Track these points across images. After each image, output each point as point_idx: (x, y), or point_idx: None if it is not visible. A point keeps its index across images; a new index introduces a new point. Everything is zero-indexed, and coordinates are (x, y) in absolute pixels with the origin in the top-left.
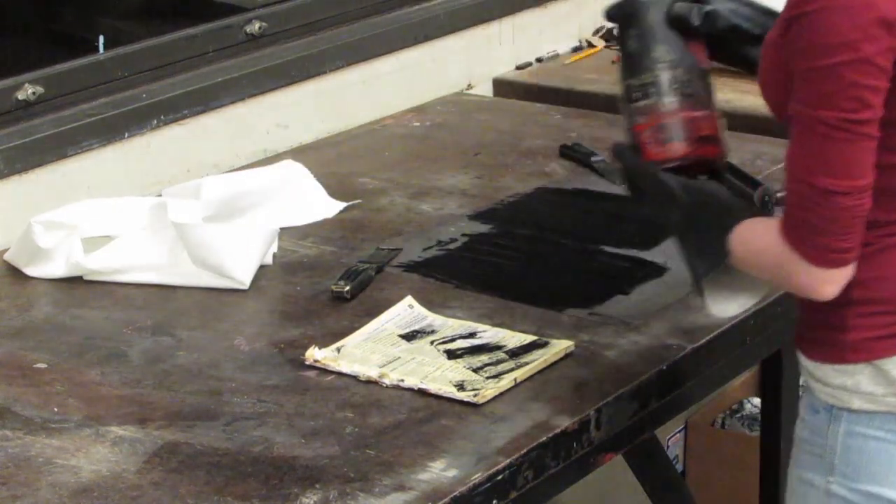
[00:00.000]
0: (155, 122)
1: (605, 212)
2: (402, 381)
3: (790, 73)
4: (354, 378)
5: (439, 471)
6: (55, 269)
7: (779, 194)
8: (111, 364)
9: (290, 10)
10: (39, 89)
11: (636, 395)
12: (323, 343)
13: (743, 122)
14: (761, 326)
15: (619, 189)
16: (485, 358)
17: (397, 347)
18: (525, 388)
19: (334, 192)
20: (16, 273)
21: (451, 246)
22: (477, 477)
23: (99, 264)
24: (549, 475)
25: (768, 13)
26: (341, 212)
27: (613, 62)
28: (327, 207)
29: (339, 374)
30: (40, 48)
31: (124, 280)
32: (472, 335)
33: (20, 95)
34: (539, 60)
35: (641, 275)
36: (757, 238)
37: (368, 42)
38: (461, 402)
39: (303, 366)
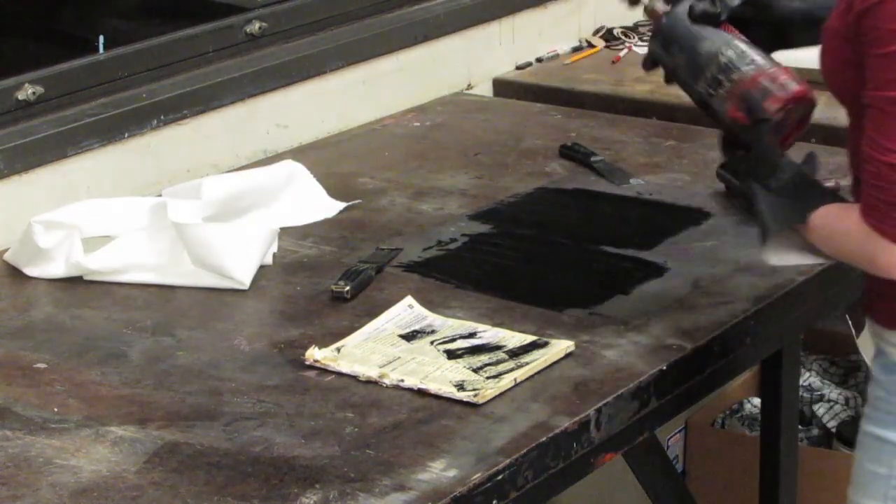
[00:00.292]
0: (155, 122)
1: (605, 212)
2: (402, 381)
3: (858, 62)
4: (354, 378)
5: (439, 471)
6: (55, 269)
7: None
8: (111, 364)
9: (290, 10)
10: (39, 89)
11: (636, 395)
12: (323, 343)
13: None
14: (761, 326)
15: (619, 189)
16: (485, 358)
17: (397, 347)
18: (525, 388)
19: (334, 192)
20: (16, 273)
21: (451, 246)
22: (477, 477)
23: (99, 264)
24: (549, 475)
25: None
26: (341, 212)
27: (613, 62)
28: (327, 207)
29: (339, 374)
30: (40, 48)
31: (124, 280)
32: (472, 335)
33: (20, 95)
34: (539, 60)
35: (641, 275)
36: (838, 221)
37: (368, 42)
38: (461, 402)
39: (303, 366)
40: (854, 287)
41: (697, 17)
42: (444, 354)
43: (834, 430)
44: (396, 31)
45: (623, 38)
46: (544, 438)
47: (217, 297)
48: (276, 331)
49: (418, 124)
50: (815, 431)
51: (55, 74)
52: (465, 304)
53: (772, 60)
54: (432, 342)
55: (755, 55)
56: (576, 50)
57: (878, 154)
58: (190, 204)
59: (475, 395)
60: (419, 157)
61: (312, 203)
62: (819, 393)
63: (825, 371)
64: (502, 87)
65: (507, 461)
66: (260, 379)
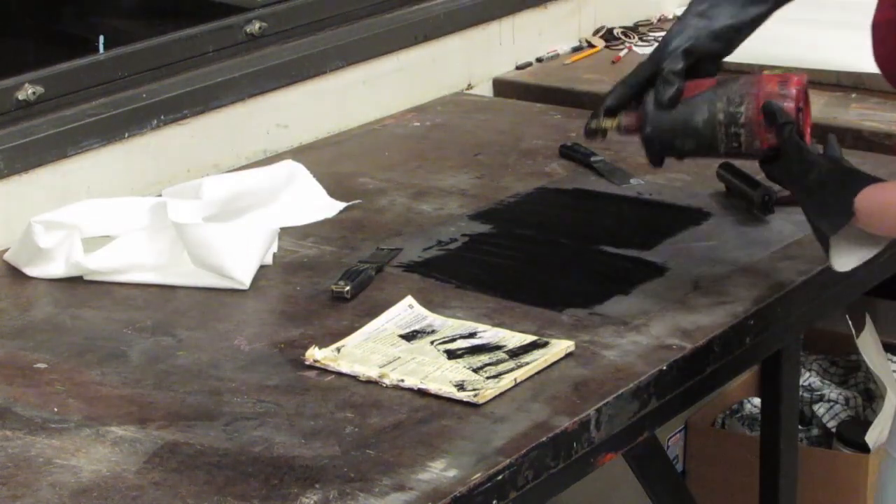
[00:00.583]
0: (155, 122)
1: (605, 212)
2: (402, 381)
3: None
4: (354, 378)
5: (439, 471)
6: (55, 269)
7: (779, 194)
8: (111, 364)
9: (290, 10)
10: (39, 89)
11: (636, 395)
12: (323, 343)
13: None
14: (761, 326)
15: (619, 189)
16: (485, 358)
17: (397, 347)
18: (525, 388)
19: (334, 192)
20: (16, 273)
21: (451, 246)
22: (477, 477)
23: (99, 264)
24: (549, 475)
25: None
26: (341, 212)
27: (613, 62)
28: (327, 207)
29: (339, 374)
30: (40, 48)
31: (124, 280)
32: (472, 335)
33: (20, 95)
34: (539, 60)
35: (641, 275)
36: (889, 195)
37: (368, 42)
38: (461, 402)
39: (303, 366)
40: (854, 287)
41: (670, 104)
42: (445, 354)
43: (834, 430)
44: (396, 31)
45: (623, 38)
46: (544, 438)
47: (217, 297)
48: (276, 331)
49: (418, 124)
50: (815, 431)
51: (55, 74)
52: (465, 304)
53: (746, 78)
54: (432, 342)
55: (736, 87)
56: (576, 50)
57: None
58: (190, 204)
59: (475, 395)
60: (419, 157)
61: (312, 203)
62: (819, 393)
63: (825, 371)
64: (502, 87)
65: (507, 461)
66: (260, 379)
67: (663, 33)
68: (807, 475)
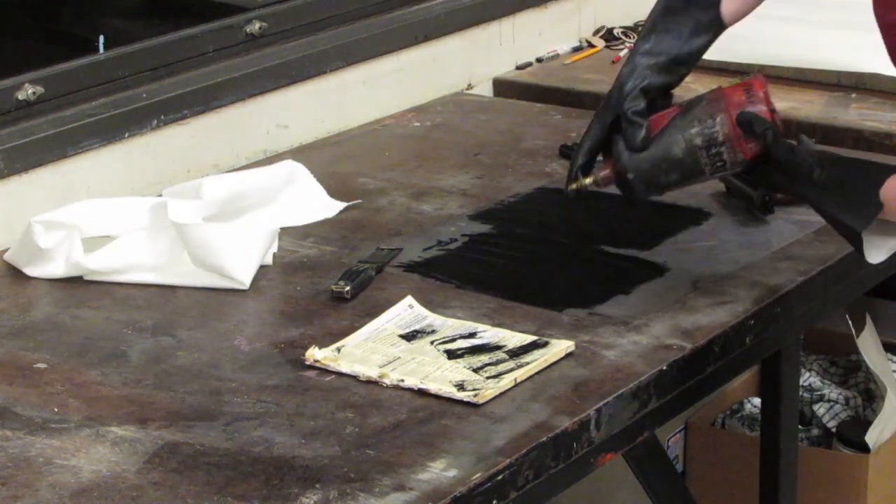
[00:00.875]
0: (155, 122)
1: (605, 212)
2: (402, 381)
3: None
4: (354, 378)
5: (439, 471)
6: (55, 269)
7: (779, 195)
8: (111, 364)
9: (290, 10)
10: (39, 89)
11: (636, 395)
12: (323, 343)
13: None
14: (761, 326)
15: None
16: (485, 358)
17: (397, 347)
18: (525, 388)
19: (334, 192)
20: (16, 273)
21: (451, 246)
22: (477, 477)
23: (99, 264)
24: (549, 475)
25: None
26: (341, 212)
27: (613, 62)
28: (327, 207)
29: (339, 374)
30: (40, 48)
31: (124, 280)
32: (472, 335)
33: (20, 95)
34: (539, 60)
35: (641, 275)
36: None
37: (368, 42)
38: (461, 402)
39: (303, 366)
40: (854, 287)
41: (643, 145)
42: (445, 354)
43: (834, 430)
44: (396, 31)
45: (623, 38)
46: (544, 438)
47: (217, 297)
48: (276, 331)
49: (418, 124)
50: (815, 431)
51: (55, 74)
52: (465, 304)
53: (707, 96)
54: (432, 342)
55: (701, 109)
56: (576, 50)
57: None
58: (190, 204)
59: (475, 395)
60: (419, 157)
61: (312, 203)
62: (819, 393)
63: (825, 371)
64: (502, 87)
65: (507, 461)
66: (260, 379)
67: None
68: (807, 475)
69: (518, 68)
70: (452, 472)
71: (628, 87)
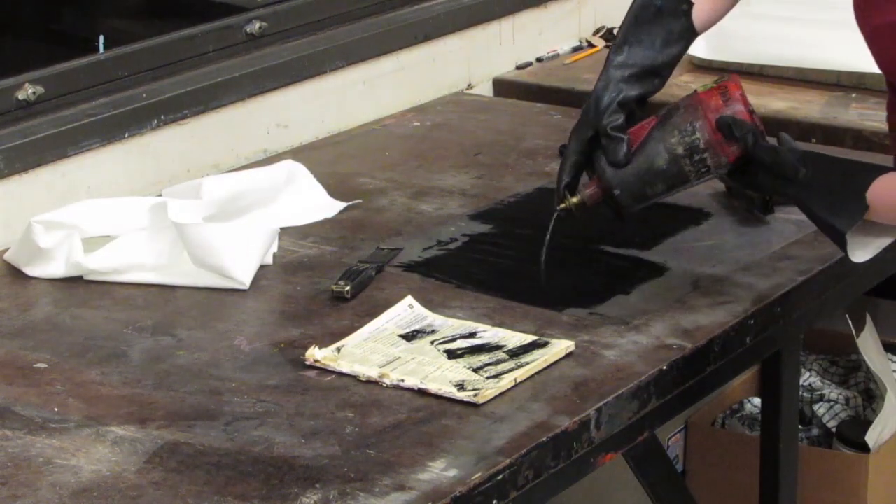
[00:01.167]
0: (155, 122)
1: (605, 212)
2: (403, 381)
3: None
4: (354, 378)
5: (439, 471)
6: (55, 269)
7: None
8: (111, 364)
9: (290, 10)
10: (39, 89)
11: (636, 395)
12: (323, 343)
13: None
14: (761, 326)
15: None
16: (485, 358)
17: (397, 347)
18: (525, 388)
19: (334, 192)
20: (16, 273)
21: (451, 246)
22: (477, 477)
23: (99, 264)
24: (549, 475)
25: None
26: (341, 212)
27: None
28: (327, 207)
29: (339, 374)
30: (40, 48)
31: (124, 280)
32: (472, 335)
33: (20, 95)
34: (539, 60)
35: (641, 275)
36: None
37: (368, 42)
38: (461, 402)
39: (303, 366)
40: (854, 287)
41: (626, 160)
42: (445, 354)
43: (834, 430)
44: (396, 31)
45: None
46: (544, 438)
47: (217, 297)
48: (276, 331)
49: (418, 124)
50: (815, 431)
51: (55, 74)
52: (465, 303)
53: (683, 103)
54: (432, 342)
55: (680, 117)
56: (576, 50)
57: None
58: (190, 204)
59: (475, 395)
60: (419, 157)
61: (312, 203)
62: (819, 393)
63: (825, 371)
64: (502, 87)
65: (507, 461)
66: (260, 379)
67: None
68: (807, 475)
69: (518, 68)
70: (452, 472)
71: (605, 101)
